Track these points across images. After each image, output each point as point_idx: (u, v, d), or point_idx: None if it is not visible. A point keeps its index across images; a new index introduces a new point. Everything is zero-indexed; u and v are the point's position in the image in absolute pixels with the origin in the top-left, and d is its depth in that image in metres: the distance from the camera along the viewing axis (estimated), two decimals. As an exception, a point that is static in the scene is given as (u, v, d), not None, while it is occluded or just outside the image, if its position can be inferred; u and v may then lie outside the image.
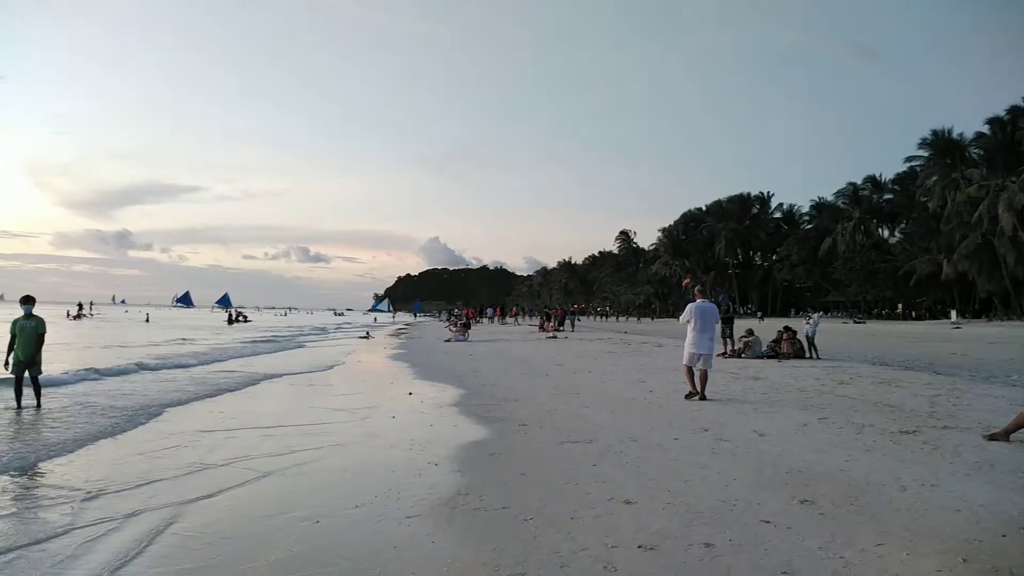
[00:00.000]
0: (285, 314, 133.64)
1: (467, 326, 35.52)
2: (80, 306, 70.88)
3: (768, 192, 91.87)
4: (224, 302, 77.62)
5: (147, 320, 63.67)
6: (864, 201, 72.95)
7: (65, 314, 65.76)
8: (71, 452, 7.61)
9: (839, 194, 77.11)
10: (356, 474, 6.68)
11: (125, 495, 5.89)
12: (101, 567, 4.24)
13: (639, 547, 4.28)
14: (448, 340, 31.98)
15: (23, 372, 10.51)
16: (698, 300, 11.24)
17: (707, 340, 10.84)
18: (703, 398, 10.70)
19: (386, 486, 6.04)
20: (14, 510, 5.48)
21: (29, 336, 10.56)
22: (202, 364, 19.42)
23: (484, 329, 47.82)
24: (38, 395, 10.58)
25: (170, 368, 17.87)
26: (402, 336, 42.90)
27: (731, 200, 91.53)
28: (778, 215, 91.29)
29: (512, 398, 11.60)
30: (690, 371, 11.01)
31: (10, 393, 10.60)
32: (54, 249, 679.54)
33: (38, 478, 6.58)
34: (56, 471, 6.81)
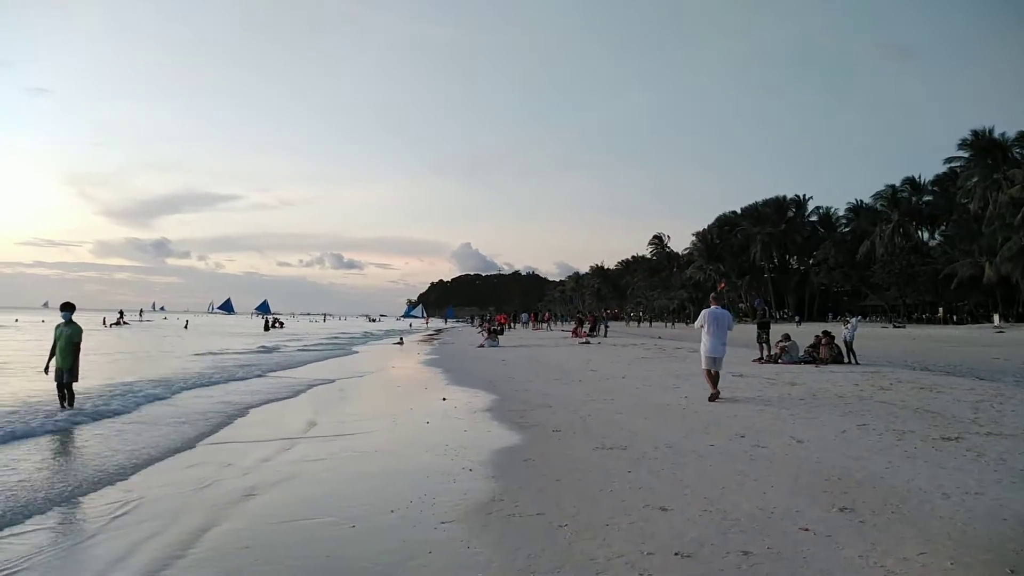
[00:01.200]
0: (324, 320, 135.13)
1: (499, 332, 35.51)
2: (121, 313, 72.35)
3: (804, 195, 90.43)
4: (263, 308, 78.73)
5: (186, 326, 64.70)
6: (903, 203, 71.50)
7: (102, 321, 67.16)
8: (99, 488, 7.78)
9: (877, 196, 75.67)
10: (390, 479, 6.72)
11: (164, 500, 6.01)
12: (143, 570, 4.33)
13: (675, 554, 4.25)
14: (480, 346, 32.09)
15: (61, 378, 10.77)
16: (712, 306, 11.78)
17: (720, 344, 11.51)
18: (717, 394, 11.29)
19: (421, 491, 6.07)
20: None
21: (65, 344, 10.81)
22: (236, 380, 19.69)
23: (516, 334, 47.86)
24: (72, 402, 10.80)
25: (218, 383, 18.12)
26: (435, 342, 43.08)
27: (766, 203, 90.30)
28: (814, 218, 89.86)
29: (545, 404, 11.58)
30: (709, 374, 11.52)
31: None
32: (95, 257, 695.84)
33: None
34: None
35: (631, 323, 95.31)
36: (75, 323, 11.05)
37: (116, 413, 10.85)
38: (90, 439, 8.87)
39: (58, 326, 10.96)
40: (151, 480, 6.80)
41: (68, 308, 11.08)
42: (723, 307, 12.09)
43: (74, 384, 10.91)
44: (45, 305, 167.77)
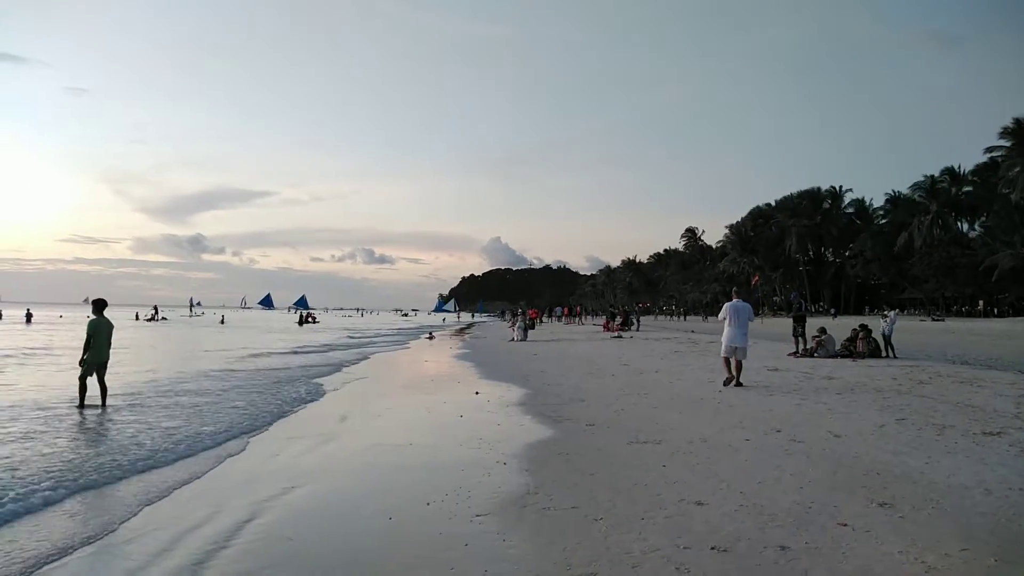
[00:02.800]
0: (361, 315, 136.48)
1: (529, 327, 35.39)
2: (156, 309, 73.59)
3: (840, 186, 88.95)
4: (301, 303, 79.93)
5: (222, 322, 65.67)
6: (942, 194, 69.88)
7: (134, 316, 68.51)
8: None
9: (915, 187, 74.01)
10: (426, 472, 6.79)
11: (208, 496, 6.15)
12: (184, 561, 4.44)
13: (712, 548, 4.24)
14: (512, 340, 32.12)
15: (100, 372, 10.93)
16: (734, 300, 12.81)
17: (741, 334, 12.32)
18: (739, 384, 12.08)
19: (456, 484, 6.13)
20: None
21: (106, 338, 11.00)
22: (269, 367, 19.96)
23: (547, 328, 47.83)
24: (105, 396, 10.93)
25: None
26: (466, 336, 43.26)
27: (801, 195, 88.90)
28: (851, 210, 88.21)
29: (578, 398, 11.59)
30: (727, 361, 12.35)
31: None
32: (133, 253, 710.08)
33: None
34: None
35: (659, 316, 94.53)
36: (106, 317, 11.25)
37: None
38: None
39: (93, 321, 11.05)
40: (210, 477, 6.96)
41: (103, 304, 11.31)
42: (745, 300, 12.97)
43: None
44: (86, 301, 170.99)
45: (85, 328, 11.08)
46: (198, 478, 6.73)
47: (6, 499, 5.64)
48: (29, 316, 52.84)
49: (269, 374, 17.13)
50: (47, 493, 5.90)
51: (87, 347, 10.82)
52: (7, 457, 7.25)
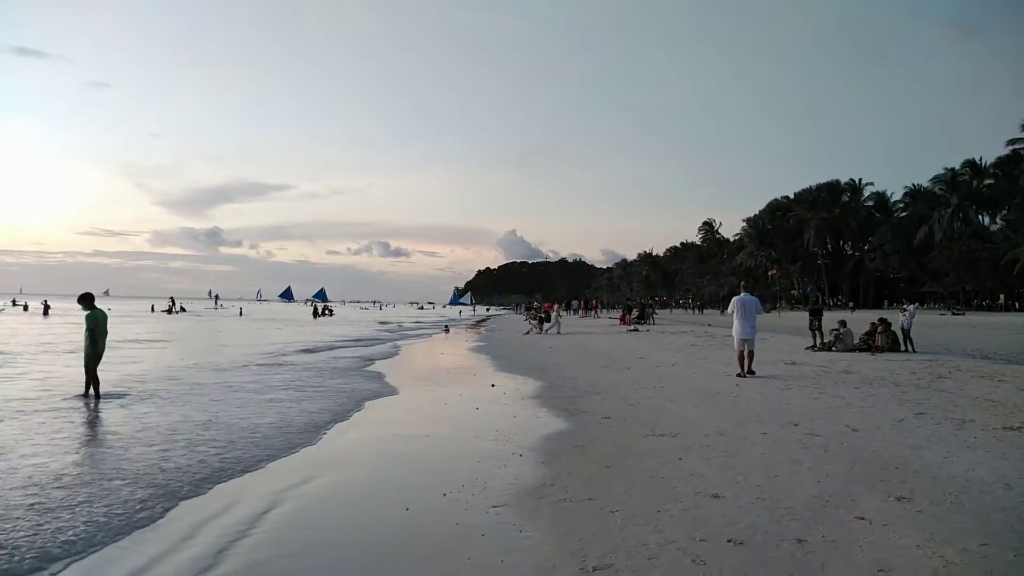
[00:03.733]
0: (380, 308, 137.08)
1: (545, 320, 35.37)
2: (172, 300, 74.16)
3: (859, 179, 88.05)
4: (320, 296, 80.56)
5: (240, 314, 66.18)
6: (963, 187, 68.96)
7: (150, 308, 69.19)
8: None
9: (936, 180, 73.14)
10: (442, 463, 6.84)
11: (232, 481, 6.21)
12: (207, 550, 4.49)
13: (728, 541, 4.24)
14: (527, 333, 32.17)
15: (97, 363, 10.81)
16: (741, 294, 13.42)
17: (749, 327, 12.89)
18: (751, 373, 12.72)
19: (472, 475, 6.16)
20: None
21: (103, 330, 10.92)
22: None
23: (563, 322, 47.74)
24: (98, 387, 10.85)
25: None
26: (481, 329, 43.35)
27: (820, 188, 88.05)
28: (870, 203, 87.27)
29: (594, 391, 11.59)
30: (741, 356, 12.92)
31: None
32: (151, 246, 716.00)
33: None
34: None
35: (675, 309, 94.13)
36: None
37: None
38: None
39: (91, 313, 10.86)
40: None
41: (92, 297, 11.17)
42: (751, 294, 13.63)
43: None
44: (106, 293, 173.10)
45: (85, 322, 10.83)
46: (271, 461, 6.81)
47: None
48: (47, 308, 53.43)
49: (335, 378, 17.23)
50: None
51: (95, 341, 10.70)
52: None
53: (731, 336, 13.51)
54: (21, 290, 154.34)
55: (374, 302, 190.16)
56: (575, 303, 75.21)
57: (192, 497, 5.65)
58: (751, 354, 12.95)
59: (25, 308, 59.48)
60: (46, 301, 58.44)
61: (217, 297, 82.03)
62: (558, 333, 31.37)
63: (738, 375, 12.76)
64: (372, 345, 26.80)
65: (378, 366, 17.56)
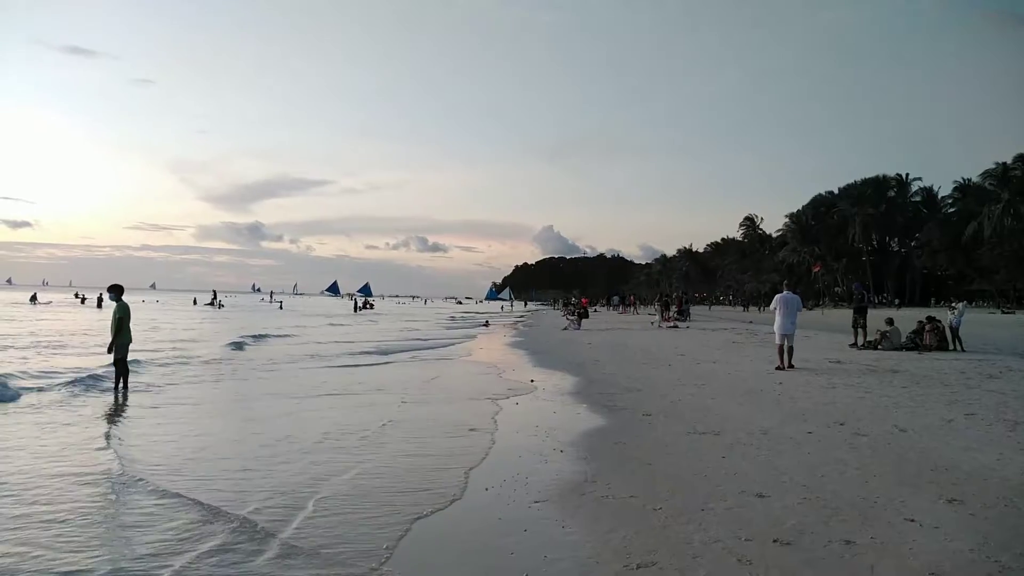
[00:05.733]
0: (425, 303, 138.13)
1: (583, 315, 35.20)
2: (215, 294, 75.69)
3: (906, 174, 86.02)
4: (365, 291, 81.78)
5: (280, 307, 67.22)
6: (1014, 181, 66.77)
7: (192, 302, 70.76)
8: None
9: (986, 175, 71.03)
10: (482, 458, 6.85)
11: (270, 473, 6.30)
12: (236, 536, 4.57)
13: (774, 541, 4.19)
14: (565, 329, 32.10)
15: (125, 352, 11.14)
16: (783, 292, 14.29)
17: (790, 323, 13.68)
18: (791, 366, 13.37)
19: (514, 471, 6.18)
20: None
21: (129, 321, 11.26)
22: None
23: (601, 317, 47.60)
24: (127, 377, 11.23)
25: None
26: (519, 325, 43.34)
27: (865, 182, 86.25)
28: (917, 198, 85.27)
29: (634, 387, 11.52)
30: (781, 349, 13.57)
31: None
32: (196, 240, 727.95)
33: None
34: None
35: (715, 306, 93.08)
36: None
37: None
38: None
39: (121, 304, 11.17)
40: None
41: (121, 289, 11.44)
42: (793, 292, 14.61)
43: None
44: (152, 286, 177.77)
45: (115, 311, 11.12)
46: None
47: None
48: (100, 300, 54.75)
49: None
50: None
51: (120, 329, 10.98)
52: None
53: (773, 333, 13.97)
54: (71, 283, 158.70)
55: (413, 297, 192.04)
56: (615, 298, 74.81)
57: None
58: (791, 349, 13.60)
59: (83, 300, 61.52)
60: (100, 294, 59.88)
61: (272, 293, 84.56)
62: (576, 329, 31.21)
63: (777, 368, 13.43)
64: (432, 347, 26.98)
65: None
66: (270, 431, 8.23)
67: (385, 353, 20.51)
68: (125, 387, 11.02)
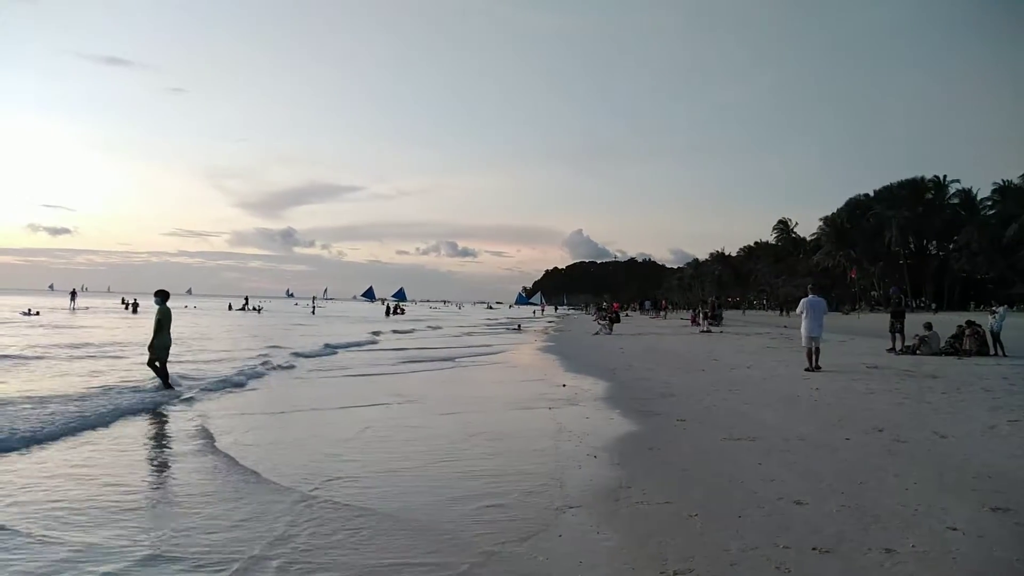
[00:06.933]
0: (459, 307, 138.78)
1: (615, 320, 35.04)
2: (247, 299, 76.74)
3: (944, 176, 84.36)
4: (400, 296, 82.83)
5: (313, 312, 67.84)
6: (1057, 182, 65.39)
7: (227, 307, 71.83)
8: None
9: (1027, 175, 69.54)
10: (516, 462, 6.85)
11: (301, 469, 6.37)
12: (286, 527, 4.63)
13: (813, 549, 4.14)
14: (596, 333, 32.00)
15: (164, 356, 11.50)
16: (809, 296, 14.70)
17: (817, 325, 14.19)
18: (818, 367, 13.83)
19: (547, 475, 6.18)
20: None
21: (169, 324, 11.62)
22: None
23: (633, 322, 47.39)
24: (167, 377, 11.51)
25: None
26: (550, 330, 43.23)
27: (902, 185, 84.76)
28: (956, 200, 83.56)
29: (668, 393, 11.44)
30: (809, 352, 14.07)
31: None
32: (230, 247, 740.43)
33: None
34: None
35: (748, 310, 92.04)
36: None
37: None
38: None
39: (162, 308, 11.59)
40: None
41: (166, 295, 11.91)
42: (819, 296, 14.95)
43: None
44: (189, 291, 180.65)
45: (154, 315, 11.60)
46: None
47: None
48: (136, 306, 55.62)
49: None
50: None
51: (159, 331, 11.38)
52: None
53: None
54: (109, 288, 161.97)
55: (444, 301, 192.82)
56: (647, 303, 74.53)
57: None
58: (817, 350, 14.12)
59: (128, 307, 62.64)
60: (135, 299, 60.96)
61: (315, 298, 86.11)
62: (608, 334, 31.11)
63: (806, 369, 13.92)
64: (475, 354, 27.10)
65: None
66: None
67: (429, 362, 20.60)
68: (168, 388, 11.24)
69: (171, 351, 11.77)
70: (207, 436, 7.98)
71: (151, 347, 11.48)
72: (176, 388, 11.34)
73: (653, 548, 4.27)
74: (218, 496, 5.53)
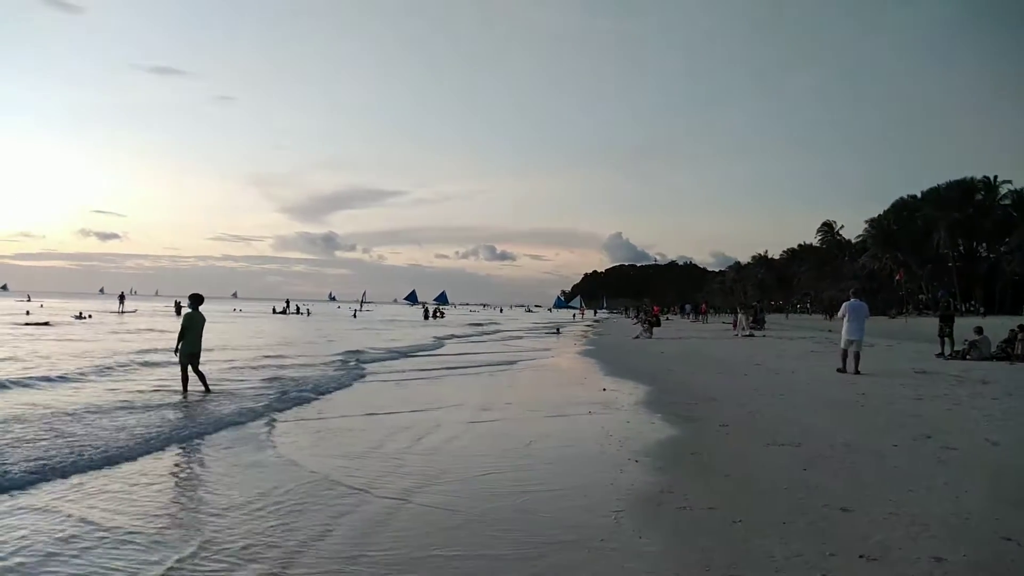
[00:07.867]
0: (500, 311, 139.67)
1: (655, 324, 34.79)
2: (287, 303, 77.83)
3: (995, 176, 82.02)
4: (441, 299, 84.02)
5: (354, 316, 68.57)
6: (1112, 183, 63.05)
7: (271, 310, 72.97)
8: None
9: (1084, 174, 67.28)
10: (558, 466, 6.88)
11: (356, 467, 6.46)
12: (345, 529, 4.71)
13: (860, 557, 4.08)
14: (636, 337, 31.82)
15: (195, 361, 11.61)
16: (851, 300, 14.79)
17: (858, 329, 14.32)
18: (857, 372, 13.93)
19: (588, 479, 6.19)
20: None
21: (200, 330, 11.71)
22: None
23: (673, 326, 46.96)
24: (206, 383, 11.66)
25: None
26: (590, 333, 43.12)
27: (950, 185, 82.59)
28: (1007, 201, 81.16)
29: (709, 397, 11.34)
30: (844, 353, 14.35)
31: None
32: (274, 251, 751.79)
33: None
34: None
35: (791, 314, 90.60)
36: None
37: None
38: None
39: (188, 314, 11.70)
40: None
41: (199, 299, 11.98)
42: (861, 300, 14.98)
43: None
44: (234, 295, 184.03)
45: (184, 319, 11.71)
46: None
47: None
48: (178, 308, 56.73)
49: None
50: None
51: (181, 337, 11.44)
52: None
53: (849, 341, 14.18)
54: (157, 292, 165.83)
55: (484, 305, 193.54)
56: (688, 307, 73.77)
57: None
58: (857, 355, 14.19)
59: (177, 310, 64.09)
60: (177, 301, 62.07)
61: (362, 302, 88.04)
62: (648, 337, 30.93)
63: (838, 370, 14.33)
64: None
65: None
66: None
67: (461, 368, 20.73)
68: (203, 390, 11.48)
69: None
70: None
71: (176, 351, 11.62)
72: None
73: (697, 555, 4.25)
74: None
